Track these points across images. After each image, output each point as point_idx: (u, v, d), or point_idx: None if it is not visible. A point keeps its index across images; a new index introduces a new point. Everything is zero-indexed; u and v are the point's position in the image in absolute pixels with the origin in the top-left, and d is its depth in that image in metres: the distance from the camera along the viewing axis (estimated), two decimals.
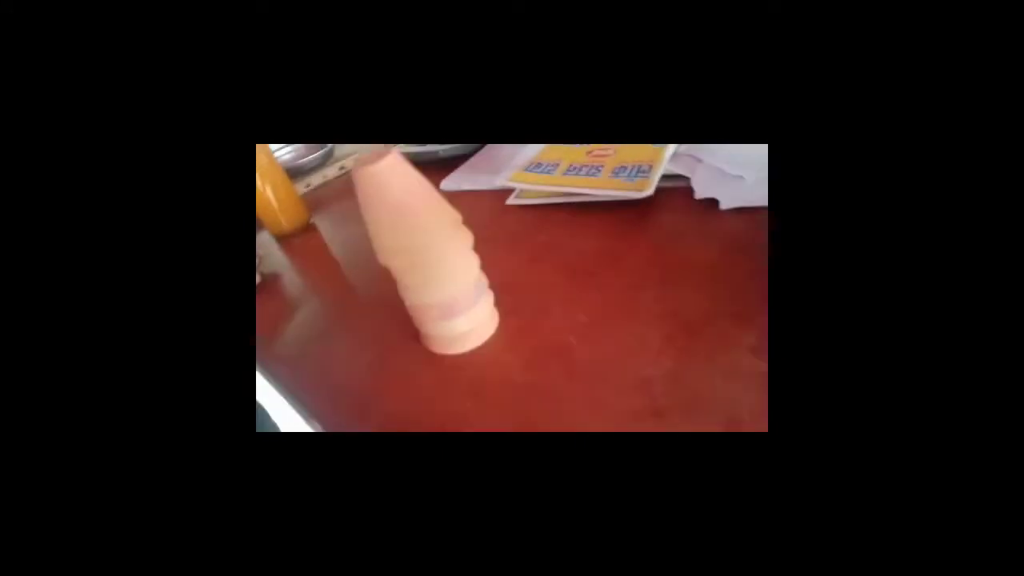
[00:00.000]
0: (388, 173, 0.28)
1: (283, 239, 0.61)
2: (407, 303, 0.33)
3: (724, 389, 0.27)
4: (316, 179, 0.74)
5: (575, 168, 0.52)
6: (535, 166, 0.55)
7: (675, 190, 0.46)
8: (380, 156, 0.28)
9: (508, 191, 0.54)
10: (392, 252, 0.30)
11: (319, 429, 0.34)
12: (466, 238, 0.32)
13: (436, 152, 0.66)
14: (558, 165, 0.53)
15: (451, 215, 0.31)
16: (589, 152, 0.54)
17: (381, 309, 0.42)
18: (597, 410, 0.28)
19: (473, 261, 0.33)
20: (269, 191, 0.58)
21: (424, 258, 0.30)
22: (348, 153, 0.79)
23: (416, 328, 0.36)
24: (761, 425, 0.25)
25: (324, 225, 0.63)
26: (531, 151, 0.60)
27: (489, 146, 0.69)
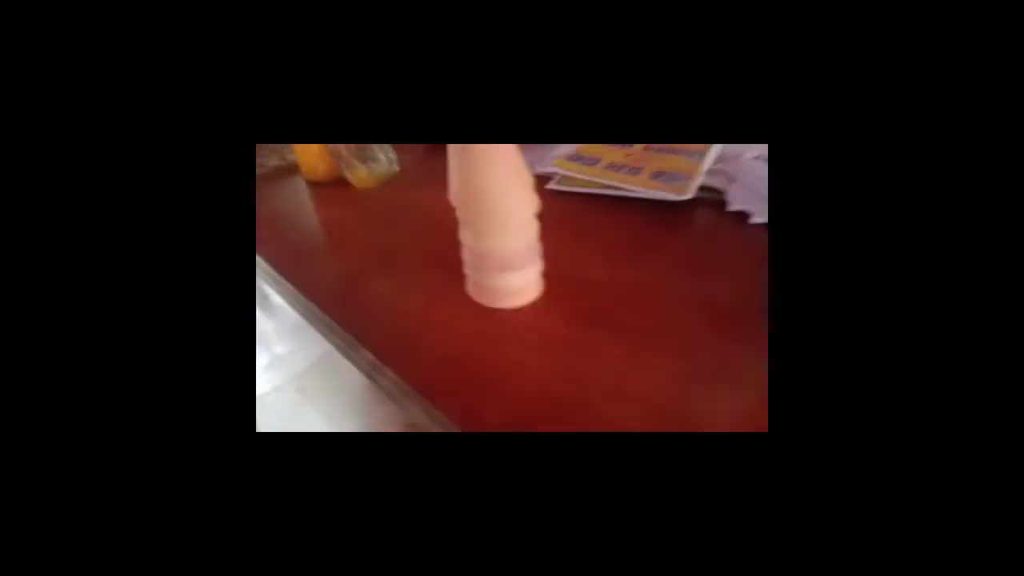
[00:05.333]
0: None
1: (315, 186, 0.62)
2: (469, 248, 0.35)
3: (758, 364, 0.30)
4: None
5: (615, 166, 0.55)
6: (577, 157, 0.57)
7: (708, 200, 0.49)
8: None
9: (547, 177, 0.57)
10: (470, 194, 0.32)
11: (369, 358, 0.35)
12: (535, 201, 0.34)
13: None
14: (599, 160, 0.56)
15: (528, 177, 0.33)
16: (628, 154, 0.58)
17: (424, 259, 0.43)
18: (645, 371, 0.31)
19: (535, 224, 0.35)
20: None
21: (499, 207, 0.32)
22: None
23: (466, 279, 0.38)
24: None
25: None
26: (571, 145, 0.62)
27: None
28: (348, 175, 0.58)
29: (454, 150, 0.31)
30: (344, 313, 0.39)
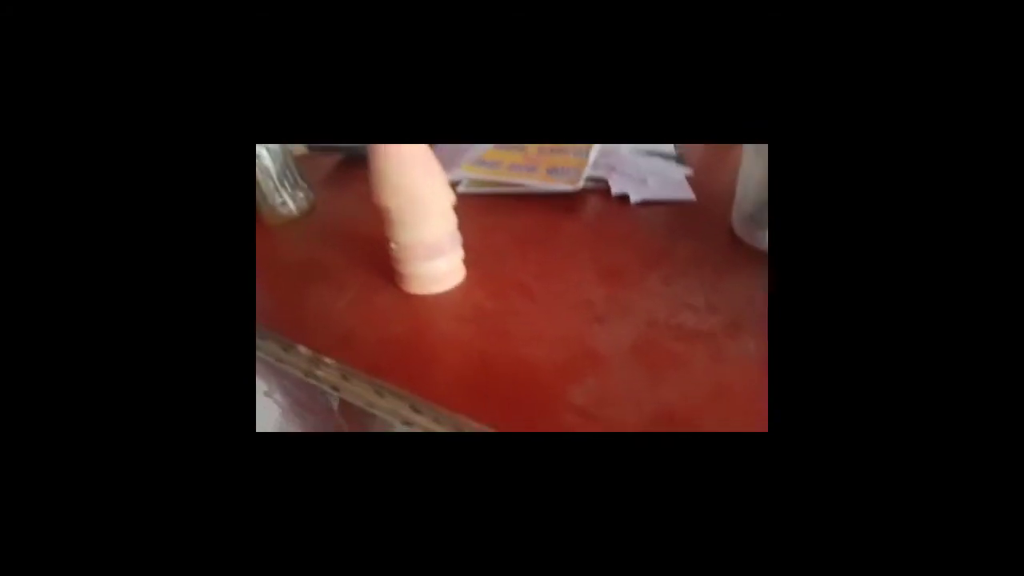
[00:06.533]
0: None
1: None
2: (397, 241, 0.39)
3: (643, 302, 0.38)
4: None
5: (515, 167, 0.62)
6: (480, 162, 0.64)
7: (595, 189, 0.58)
8: None
9: (455, 183, 0.62)
10: (395, 191, 0.36)
11: (307, 353, 0.37)
12: (451, 194, 0.40)
13: None
14: (500, 163, 0.64)
15: (442, 174, 0.39)
16: (524, 156, 0.65)
17: (354, 264, 0.47)
18: (554, 321, 0.37)
19: (453, 213, 0.41)
20: None
21: (421, 200, 0.37)
22: None
23: (394, 273, 0.42)
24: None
25: None
26: (476, 151, 0.69)
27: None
28: (266, 213, 0.56)
29: (378, 155, 0.35)
30: (276, 322, 0.41)
